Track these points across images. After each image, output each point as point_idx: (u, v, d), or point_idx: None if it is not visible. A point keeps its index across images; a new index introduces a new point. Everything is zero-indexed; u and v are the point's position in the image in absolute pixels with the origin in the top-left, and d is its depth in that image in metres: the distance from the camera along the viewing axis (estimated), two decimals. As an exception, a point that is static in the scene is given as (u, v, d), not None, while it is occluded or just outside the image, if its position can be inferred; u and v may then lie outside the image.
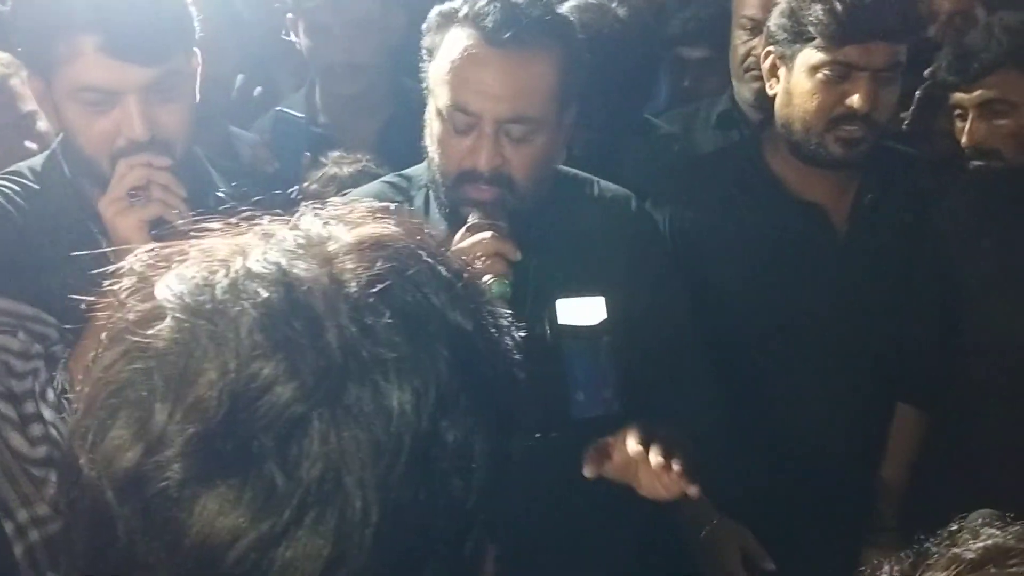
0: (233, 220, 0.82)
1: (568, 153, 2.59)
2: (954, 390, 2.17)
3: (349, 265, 0.75)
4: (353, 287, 0.74)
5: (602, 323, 1.84)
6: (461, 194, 1.81)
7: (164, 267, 0.77)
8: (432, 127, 1.84)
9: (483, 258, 1.66)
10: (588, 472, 1.76)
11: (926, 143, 2.75)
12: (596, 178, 2.08)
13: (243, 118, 2.75)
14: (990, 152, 2.34)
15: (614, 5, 2.56)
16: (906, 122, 2.78)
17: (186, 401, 0.70)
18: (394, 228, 0.81)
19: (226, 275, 0.74)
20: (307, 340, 0.71)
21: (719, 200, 2.20)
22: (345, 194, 2.21)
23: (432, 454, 0.73)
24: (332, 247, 0.77)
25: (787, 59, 2.09)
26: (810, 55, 2.03)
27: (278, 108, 2.55)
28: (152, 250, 0.79)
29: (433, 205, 1.94)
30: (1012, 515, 0.94)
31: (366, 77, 2.65)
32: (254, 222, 0.82)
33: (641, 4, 2.80)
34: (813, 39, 2.02)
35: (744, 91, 2.74)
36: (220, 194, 1.89)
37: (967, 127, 2.37)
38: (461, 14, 1.78)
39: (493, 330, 0.81)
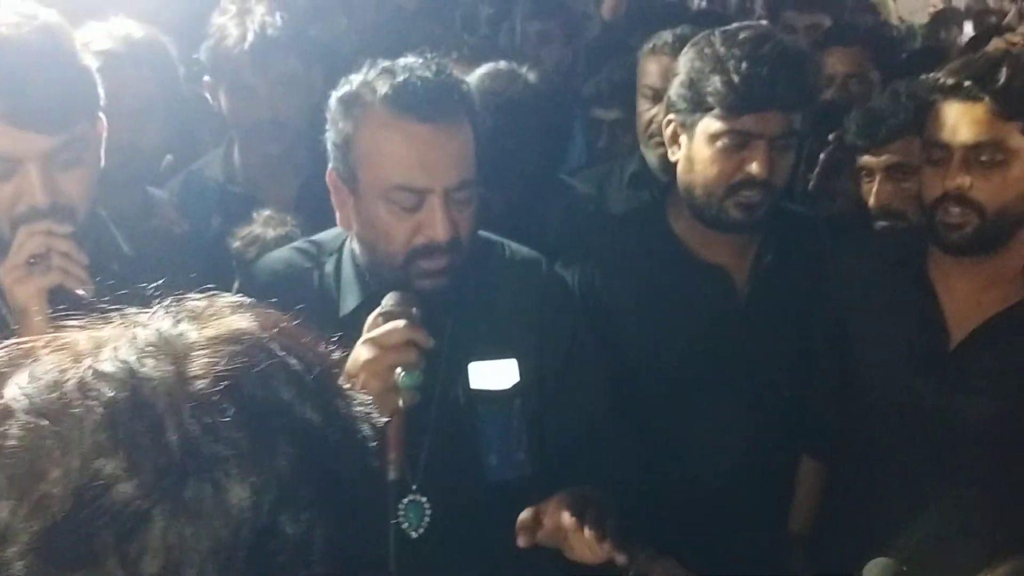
0: (100, 313, 0.85)
1: (488, 212, 2.66)
2: (853, 443, 2.22)
3: (198, 363, 0.78)
4: (199, 385, 0.76)
5: (514, 386, 1.87)
6: (415, 269, 1.82)
7: (20, 363, 0.78)
8: (366, 215, 1.84)
9: (395, 347, 1.66)
10: (522, 542, 1.77)
11: (829, 203, 2.85)
12: (507, 241, 2.10)
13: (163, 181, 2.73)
14: (895, 213, 2.44)
15: (524, 70, 2.62)
16: (811, 183, 2.89)
17: (31, 498, 0.71)
18: (248, 323, 0.84)
19: (76, 374, 0.76)
20: (148, 438, 0.73)
21: (626, 262, 2.24)
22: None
23: (271, 548, 0.76)
24: (182, 345, 0.79)
25: (688, 127, 2.14)
26: (709, 124, 2.09)
27: (189, 169, 2.55)
28: (8, 346, 0.81)
29: (345, 272, 1.94)
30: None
31: (290, 136, 2.64)
32: (119, 315, 0.84)
33: (550, 68, 2.88)
34: (712, 108, 2.07)
35: (650, 156, 2.83)
36: (127, 252, 1.90)
37: (875, 189, 2.47)
38: (378, 95, 1.80)
39: (345, 421, 0.84)
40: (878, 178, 2.48)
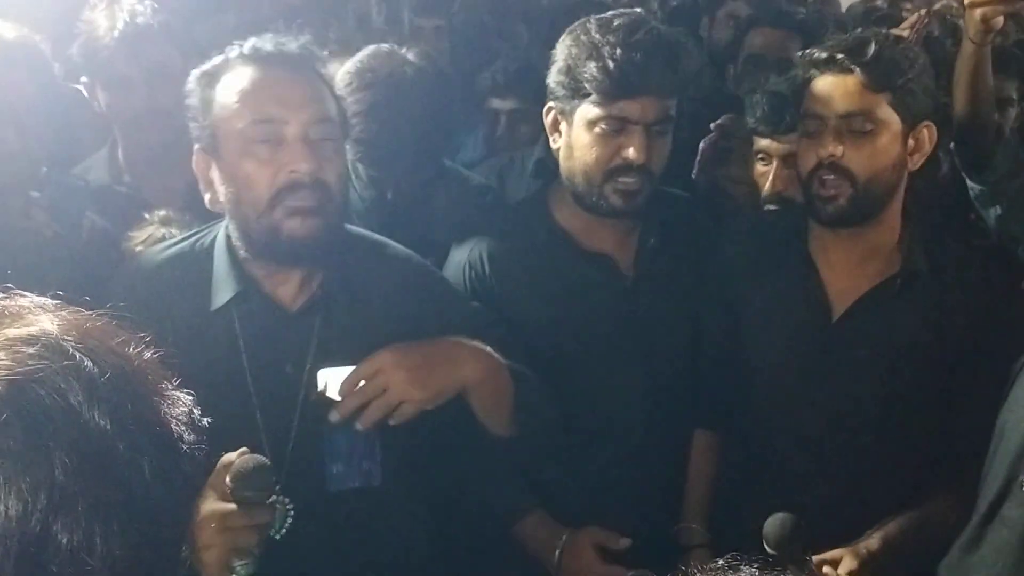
0: None
1: (381, 199, 2.57)
2: (745, 415, 2.21)
3: None
4: None
5: None
6: (282, 210, 1.75)
7: None
8: (228, 170, 1.78)
9: (237, 529, 1.57)
10: None
11: (720, 192, 2.81)
12: (384, 239, 2.04)
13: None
14: (786, 199, 2.42)
15: (404, 50, 2.53)
16: (695, 172, 2.84)
17: None
18: (48, 324, 0.80)
19: None
20: None
21: (513, 253, 2.19)
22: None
23: (44, 557, 0.72)
24: None
25: (567, 114, 2.10)
26: (587, 110, 2.05)
27: (59, 173, 2.43)
28: None
29: (218, 264, 1.86)
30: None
31: (172, 125, 2.46)
32: None
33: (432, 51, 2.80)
34: (589, 95, 2.03)
35: None
36: None
37: (772, 173, 2.45)
38: (234, 55, 1.81)
39: (146, 426, 0.80)
40: (775, 164, 2.46)
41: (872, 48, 1.99)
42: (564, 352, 2.17)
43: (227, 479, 1.57)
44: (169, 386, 0.87)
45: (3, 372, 0.75)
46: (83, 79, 2.56)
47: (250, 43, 1.82)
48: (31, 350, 0.77)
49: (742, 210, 2.56)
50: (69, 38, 2.54)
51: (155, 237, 2.21)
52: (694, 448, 2.27)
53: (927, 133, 2.04)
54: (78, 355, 0.78)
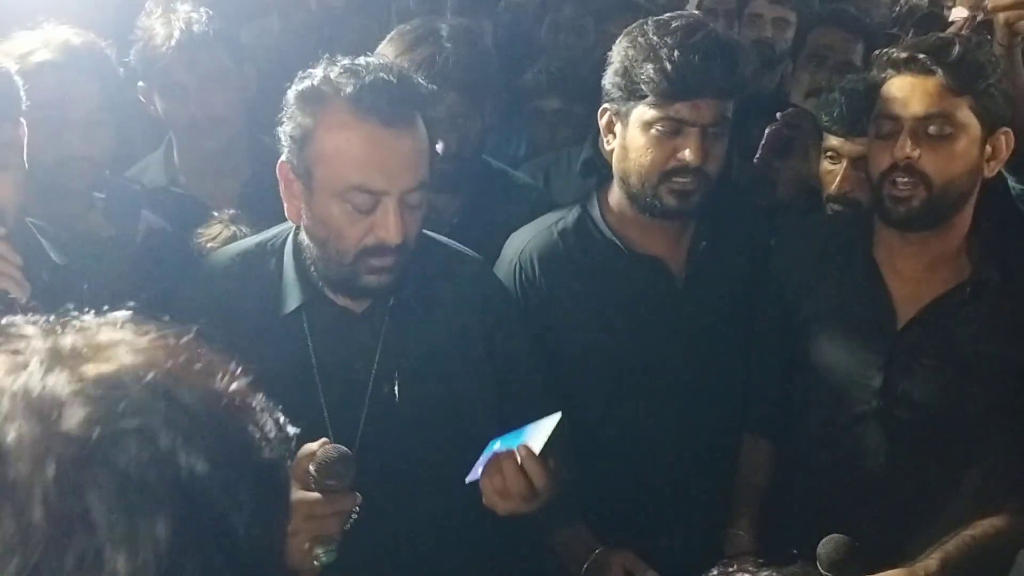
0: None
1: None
2: (802, 423, 2.13)
3: (70, 422, 0.68)
4: (70, 449, 0.68)
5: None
6: (363, 266, 1.76)
7: None
8: (318, 213, 1.75)
9: (321, 518, 1.57)
10: None
11: (770, 187, 2.75)
12: (447, 240, 2.01)
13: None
14: (852, 202, 2.33)
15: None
16: (757, 157, 2.77)
17: None
18: (135, 358, 0.74)
19: None
20: (9, 512, 0.66)
21: (564, 255, 2.14)
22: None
23: None
24: (53, 401, 0.69)
25: (622, 116, 2.04)
26: (643, 112, 1.99)
27: (123, 176, 2.41)
28: None
29: (287, 270, 1.86)
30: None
31: (227, 132, 2.52)
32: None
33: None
34: (645, 96, 1.98)
35: None
36: (56, 261, 1.80)
37: (841, 174, 2.35)
38: (342, 95, 1.70)
39: (241, 455, 0.75)
40: (845, 164, 2.36)
41: (956, 50, 1.90)
42: (613, 356, 2.12)
43: (310, 468, 1.57)
44: (258, 406, 0.81)
45: (88, 428, 0.68)
46: (140, 84, 2.53)
47: (361, 82, 1.70)
48: (116, 394, 0.70)
49: (794, 211, 2.49)
50: (124, 43, 2.50)
51: (224, 236, 2.20)
52: (743, 452, 2.20)
53: (1005, 140, 1.95)
54: (164, 394, 0.72)
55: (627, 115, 2.03)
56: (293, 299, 1.85)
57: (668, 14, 2.13)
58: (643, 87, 1.98)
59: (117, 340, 0.75)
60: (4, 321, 0.76)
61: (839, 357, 2.06)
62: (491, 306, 1.96)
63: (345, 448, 1.60)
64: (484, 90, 2.38)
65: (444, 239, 2.03)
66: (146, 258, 2.16)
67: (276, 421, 0.81)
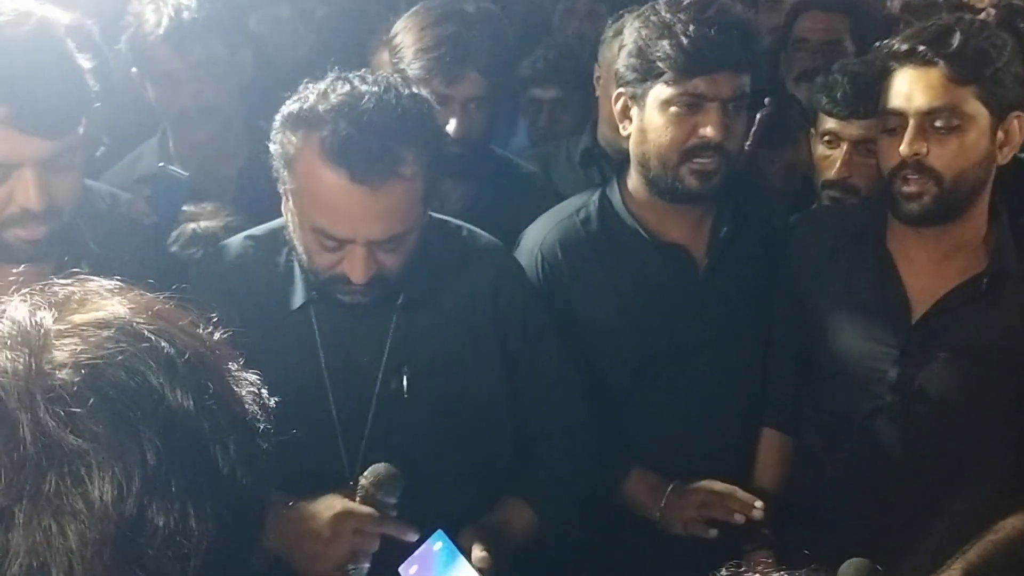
0: None
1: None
2: (818, 415, 2.03)
3: (58, 352, 0.71)
4: (59, 375, 0.69)
5: None
6: (334, 292, 1.68)
7: None
8: (296, 231, 1.66)
9: (365, 533, 1.52)
10: None
11: (761, 172, 2.62)
12: (465, 225, 1.88)
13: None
14: (850, 188, 2.20)
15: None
16: (747, 144, 2.64)
17: None
18: (118, 307, 0.76)
19: None
20: (2, 437, 0.67)
21: (587, 245, 2.03)
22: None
23: (140, 541, 0.69)
24: (39, 334, 0.72)
25: (638, 98, 1.93)
26: (661, 91, 1.88)
27: (161, 165, 2.26)
28: None
29: (296, 265, 1.75)
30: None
31: (219, 120, 2.37)
32: None
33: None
34: (662, 74, 1.87)
35: (622, 142, 2.57)
36: (95, 250, 1.67)
37: (841, 158, 2.21)
38: (319, 136, 1.57)
39: (226, 406, 0.76)
40: (845, 148, 2.23)
41: (957, 37, 1.77)
42: (636, 343, 2.03)
43: (363, 481, 1.53)
44: (237, 367, 0.82)
45: (82, 357, 0.70)
46: (133, 70, 2.39)
47: (332, 128, 1.56)
48: (106, 333, 0.73)
49: (805, 198, 2.36)
50: (116, 28, 2.37)
51: (189, 234, 2.04)
52: (761, 446, 2.09)
53: (1017, 124, 1.83)
54: (153, 337, 0.74)
55: (643, 96, 1.93)
56: (301, 294, 1.75)
57: None
58: (660, 64, 1.88)
59: (106, 295, 0.78)
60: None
61: (853, 350, 1.95)
62: (504, 290, 1.83)
63: (396, 469, 1.56)
64: (502, 75, 2.27)
65: (458, 223, 1.90)
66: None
67: (257, 387, 0.82)
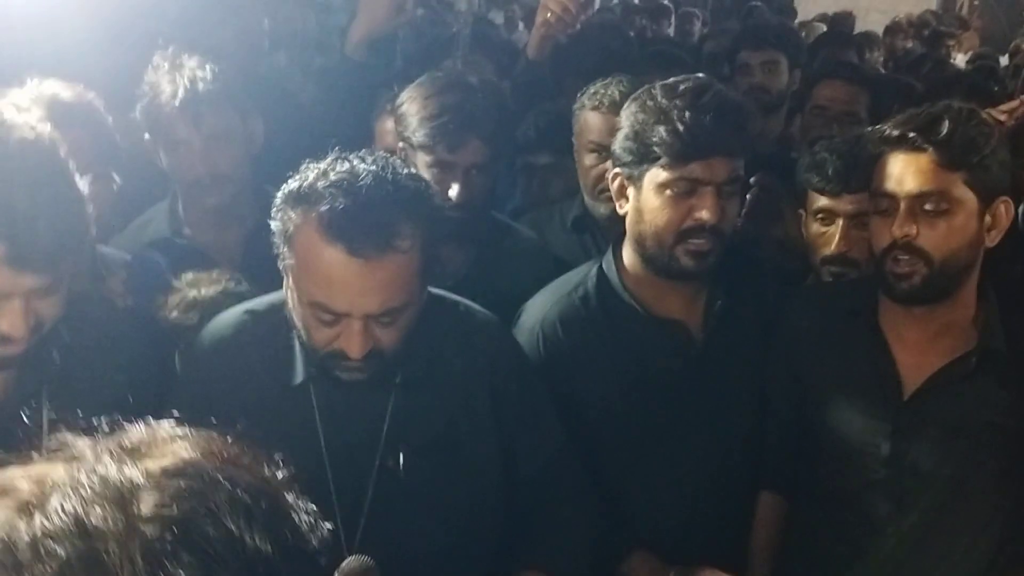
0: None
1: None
2: (810, 486, 2.03)
3: (146, 508, 0.70)
4: (150, 530, 0.69)
5: None
6: (334, 365, 1.65)
7: None
8: (295, 307, 1.64)
9: None
10: None
11: (754, 247, 2.64)
12: (463, 301, 1.87)
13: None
14: (851, 261, 2.21)
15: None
16: (739, 224, 2.67)
17: None
18: (190, 452, 0.76)
19: (27, 531, 0.69)
20: None
21: (587, 322, 2.03)
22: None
23: None
24: (128, 488, 0.71)
25: (635, 179, 1.94)
26: (657, 174, 1.90)
27: (145, 246, 2.26)
28: None
29: (296, 340, 1.72)
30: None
31: (230, 188, 2.37)
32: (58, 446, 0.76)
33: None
34: (659, 158, 1.89)
35: (600, 208, 2.57)
36: (67, 340, 1.60)
37: (839, 234, 2.22)
38: (316, 213, 1.57)
39: (297, 544, 0.76)
40: (841, 223, 2.25)
41: (946, 125, 1.81)
42: (635, 418, 2.01)
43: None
44: (300, 502, 0.81)
45: (166, 511, 0.69)
46: (146, 136, 2.39)
47: (329, 203, 1.56)
48: (183, 483, 0.72)
49: (799, 274, 2.37)
50: (129, 96, 2.37)
51: (188, 301, 2.00)
52: (759, 510, 2.09)
53: (1004, 208, 1.86)
54: (228, 484, 0.73)
55: (640, 178, 1.94)
56: (301, 371, 1.73)
57: (674, 78, 2.04)
58: (656, 149, 1.89)
59: (173, 437, 0.78)
60: (55, 438, 0.77)
61: (847, 425, 1.95)
62: (501, 367, 1.82)
63: (370, 560, 1.51)
64: (504, 142, 2.30)
65: (456, 298, 1.89)
66: (165, 336, 1.98)
67: (311, 514, 0.81)
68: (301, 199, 1.60)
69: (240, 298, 1.93)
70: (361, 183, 1.58)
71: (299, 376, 1.72)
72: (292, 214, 1.61)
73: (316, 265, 1.59)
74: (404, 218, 1.59)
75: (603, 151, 2.42)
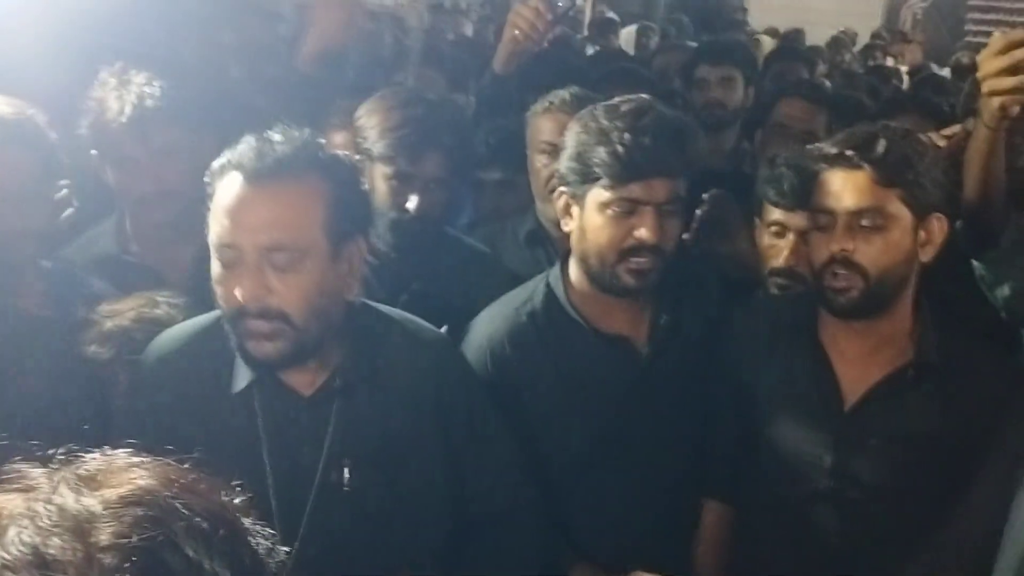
0: None
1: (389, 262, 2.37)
2: (755, 496, 2.04)
3: (104, 537, 0.70)
4: (109, 559, 0.68)
5: None
6: (242, 329, 1.60)
7: None
8: (212, 268, 1.64)
9: None
10: None
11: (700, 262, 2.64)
12: (406, 317, 1.85)
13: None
14: (797, 276, 2.22)
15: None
16: (688, 239, 2.67)
17: None
18: (147, 480, 0.75)
19: None
20: None
21: (535, 339, 2.03)
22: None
23: None
24: (86, 517, 0.71)
25: (578, 198, 1.95)
26: (598, 194, 1.91)
27: (91, 262, 2.21)
28: None
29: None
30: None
31: (179, 203, 2.28)
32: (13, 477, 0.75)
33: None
34: (599, 179, 1.89)
35: (550, 211, 2.57)
36: None
37: (789, 247, 2.24)
38: (230, 160, 1.60)
39: (253, 566, 0.76)
40: (792, 237, 2.26)
41: (881, 144, 1.84)
42: (583, 432, 2.01)
43: None
44: (257, 527, 0.81)
45: (123, 541, 0.69)
46: (93, 152, 2.33)
47: (241, 148, 1.62)
48: (140, 512, 0.71)
49: (747, 286, 2.39)
50: (73, 110, 2.31)
51: (106, 333, 1.92)
52: (704, 518, 2.09)
53: (938, 225, 1.89)
54: (186, 512, 0.73)
55: (583, 197, 1.95)
56: (242, 378, 1.69)
57: (617, 98, 2.05)
58: (597, 170, 1.90)
59: (130, 465, 0.77)
60: (6, 467, 0.76)
61: (791, 437, 1.96)
62: (448, 383, 1.80)
63: None
64: (462, 157, 2.31)
65: (399, 313, 1.88)
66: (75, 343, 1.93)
67: (268, 538, 0.81)
68: (219, 168, 1.63)
69: (157, 323, 1.88)
70: (274, 137, 1.62)
71: (242, 381, 1.69)
72: (211, 186, 1.64)
73: (218, 201, 1.60)
74: (310, 164, 1.61)
75: (554, 150, 2.41)
